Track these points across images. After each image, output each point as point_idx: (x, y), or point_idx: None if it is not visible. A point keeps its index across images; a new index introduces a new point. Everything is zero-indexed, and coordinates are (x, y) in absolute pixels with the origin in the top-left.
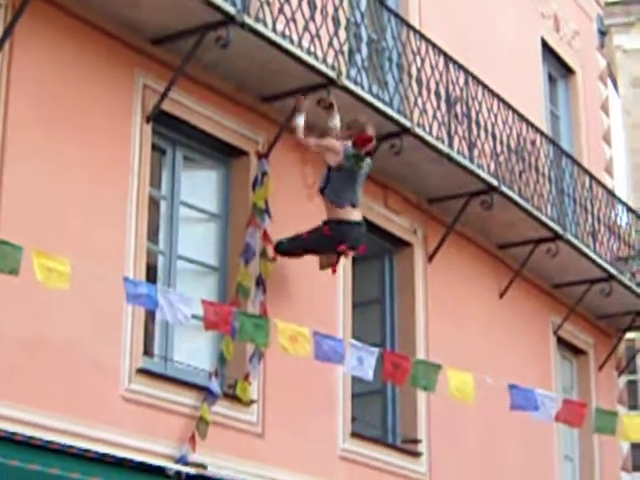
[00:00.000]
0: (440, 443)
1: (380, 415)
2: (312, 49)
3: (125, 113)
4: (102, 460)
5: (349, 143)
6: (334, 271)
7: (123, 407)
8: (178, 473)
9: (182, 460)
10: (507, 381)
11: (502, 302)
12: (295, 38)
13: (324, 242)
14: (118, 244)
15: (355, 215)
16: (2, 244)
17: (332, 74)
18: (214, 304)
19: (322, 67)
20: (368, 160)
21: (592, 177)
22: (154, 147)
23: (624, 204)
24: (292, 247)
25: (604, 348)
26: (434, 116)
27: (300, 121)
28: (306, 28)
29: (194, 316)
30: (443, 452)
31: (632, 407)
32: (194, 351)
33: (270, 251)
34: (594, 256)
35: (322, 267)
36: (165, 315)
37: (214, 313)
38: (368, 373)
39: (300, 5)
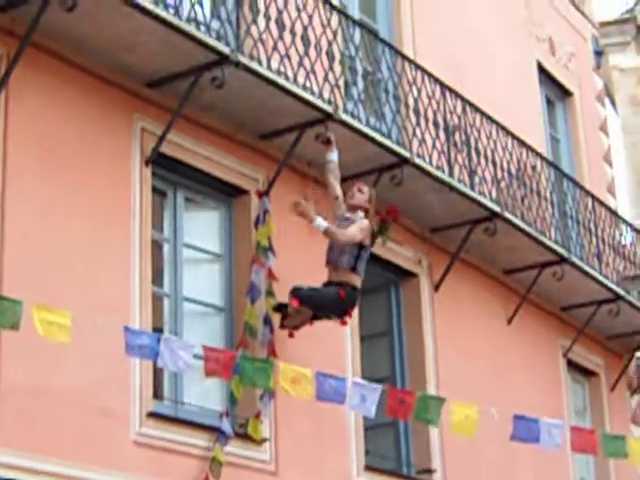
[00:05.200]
0: (455, 472)
1: (393, 447)
2: (308, 84)
3: (124, 157)
4: None
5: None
6: (291, 335)
7: (135, 452)
8: None
9: None
10: (518, 409)
11: (510, 328)
12: (290, 74)
13: (335, 303)
14: (123, 289)
15: (359, 282)
16: (2, 300)
17: (329, 109)
18: (216, 350)
19: (319, 102)
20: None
21: (594, 198)
22: (154, 190)
23: (628, 224)
24: (312, 296)
25: (615, 368)
26: (433, 145)
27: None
28: (301, 64)
29: (198, 357)
30: None
31: None
32: (204, 392)
33: (278, 296)
34: (600, 277)
35: (282, 326)
36: (166, 363)
37: (215, 360)
38: (370, 410)
39: (294, 41)
